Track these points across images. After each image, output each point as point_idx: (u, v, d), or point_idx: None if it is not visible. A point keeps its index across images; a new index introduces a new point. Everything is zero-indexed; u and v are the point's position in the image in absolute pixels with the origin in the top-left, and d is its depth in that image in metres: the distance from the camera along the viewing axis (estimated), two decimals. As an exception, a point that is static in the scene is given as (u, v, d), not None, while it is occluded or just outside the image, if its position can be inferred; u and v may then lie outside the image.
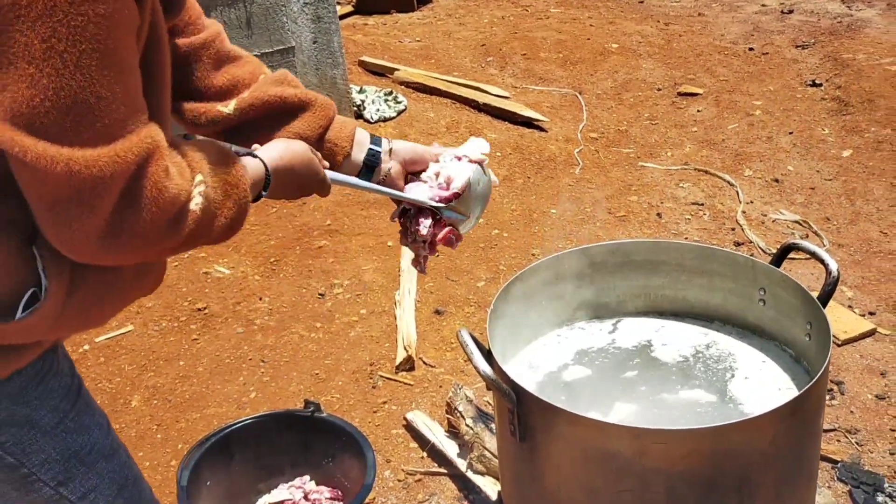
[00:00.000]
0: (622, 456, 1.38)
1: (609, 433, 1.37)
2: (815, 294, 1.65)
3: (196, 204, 1.00)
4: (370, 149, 1.41)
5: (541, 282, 1.85)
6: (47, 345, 1.09)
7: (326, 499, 2.06)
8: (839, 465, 2.29)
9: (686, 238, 3.47)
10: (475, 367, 1.47)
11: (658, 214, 3.68)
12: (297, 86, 1.38)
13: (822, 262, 1.66)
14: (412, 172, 1.46)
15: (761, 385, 1.68)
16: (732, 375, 1.72)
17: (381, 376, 2.74)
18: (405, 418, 2.53)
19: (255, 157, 1.17)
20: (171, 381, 2.78)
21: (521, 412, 1.48)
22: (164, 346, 2.94)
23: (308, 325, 3.01)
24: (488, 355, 1.59)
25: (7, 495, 1.11)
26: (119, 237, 0.92)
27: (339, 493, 2.07)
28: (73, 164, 0.85)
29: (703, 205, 3.75)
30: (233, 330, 3.01)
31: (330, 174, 1.33)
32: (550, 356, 1.83)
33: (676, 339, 1.84)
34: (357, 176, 1.41)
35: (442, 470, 2.35)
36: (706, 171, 4.04)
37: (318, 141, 1.37)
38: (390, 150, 1.43)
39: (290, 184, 1.24)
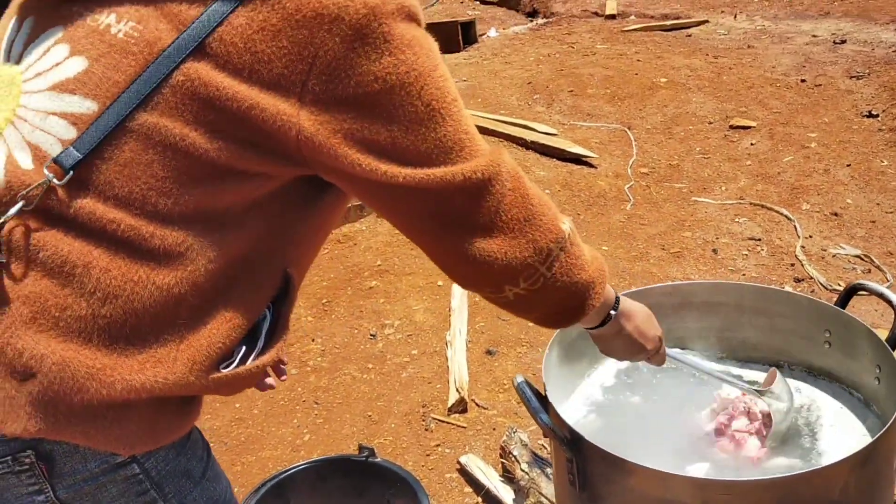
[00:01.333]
0: (685, 507, 1.34)
1: (671, 484, 1.33)
2: (882, 334, 1.59)
3: (567, 225, 1.08)
4: None
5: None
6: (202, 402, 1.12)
7: None
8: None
9: (744, 275, 3.40)
10: (534, 418, 1.45)
11: (714, 250, 3.61)
12: None
13: (889, 303, 1.60)
14: None
15: (839, 431, 1.62)
16: (811, 421, 1.67)
17: (434, 418, 2.73)
18: (459, 462, 2.50)
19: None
20: (227, 423, 2.80)
21: (579, 460, 1.45)
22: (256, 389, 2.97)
23: (360, 366, 3.02)
24: (544, 400, 1.56)
25: None
26: (493, 237, 1.01)
27: None
28: (466, 173, 0.98)
29: (760, 240, 3.68)
30: (287, 371, 3.03)
31: (671, 351, 1.47)
32: (611, 396, 1.80)
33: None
34: None
35: (497, 515, 2.31)
36: (762, 206, 3.97)
37: None
38: None
39: (630, 326, 1.33)
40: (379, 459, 2.06)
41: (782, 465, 1.57)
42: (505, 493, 2.31)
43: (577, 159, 4.47)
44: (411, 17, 0.96)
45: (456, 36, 7.13)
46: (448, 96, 0.98)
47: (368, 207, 1.08)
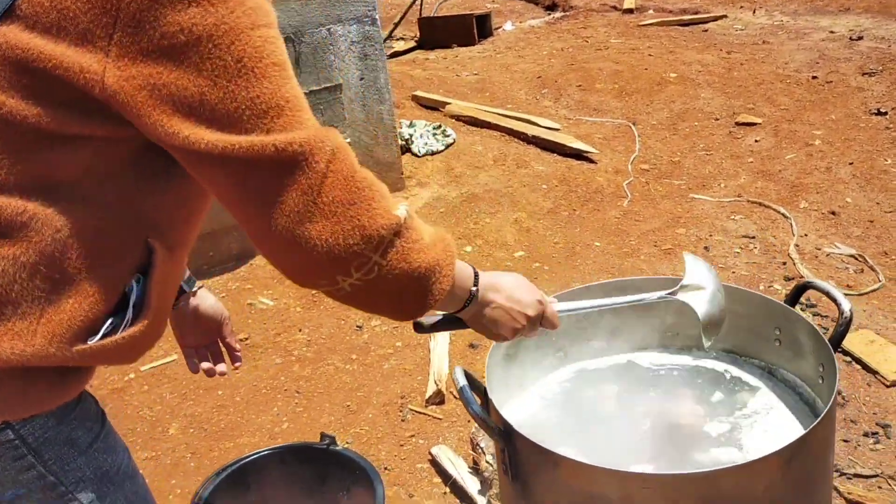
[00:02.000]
0: (608, 499, 1.35)
1: (594, 476, 1.34)
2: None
3: (402, 210, 1.03)
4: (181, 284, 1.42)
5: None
6: (91, 374, 1.12)
7: None
8: (879, 514, 2.17)
9: (734, 272, 3.38)
10: (466, 408, 1.47)
11: (706, 248, 3.59)
12: None
13: (835, 301, 1.60)
14: (202, 329, 1.48)
15: (782, 429, 1.62)
16: (746, 417, 1.67)
17: (411, 409, 2.75)
18: (430, 453, 2.52)
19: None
20: (209, 409, 2.85)
21: (510, 451, 1.47)
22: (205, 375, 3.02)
23: (344, 356, 3.05)
24: (486, 394, 1.58)
25: None
26: (314, 220, 0.96)
27: None
28: (278, 144, 0.93)
29: (754, 237, 3.65)
30: (272, 360, 3.07)
31: (561, 305, 1.40)
32: (562, 392, 1.81)
33: (695, 374, 1.80)
34: None
35: (463, 506, 2.33)
36: (760, 203, 3.93)
37: None
38: (196, 292, 1.45)
39: (500, 298, 1.26)
40: (340, 447, 2.09)
41: (718, 460, 1.57)
42: (471, 483, 2.33)
43: (578, 154, 4.46)
44: None
45: (471, 29, 7.14)
46: (267, 58, 0.94)
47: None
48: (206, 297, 1.47)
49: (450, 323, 1.31)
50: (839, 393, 2.64)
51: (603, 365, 1.88)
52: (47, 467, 1.07)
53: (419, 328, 1.33)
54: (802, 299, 3.12)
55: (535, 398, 1.82)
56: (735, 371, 1.80)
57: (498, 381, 1.68)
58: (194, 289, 1.45)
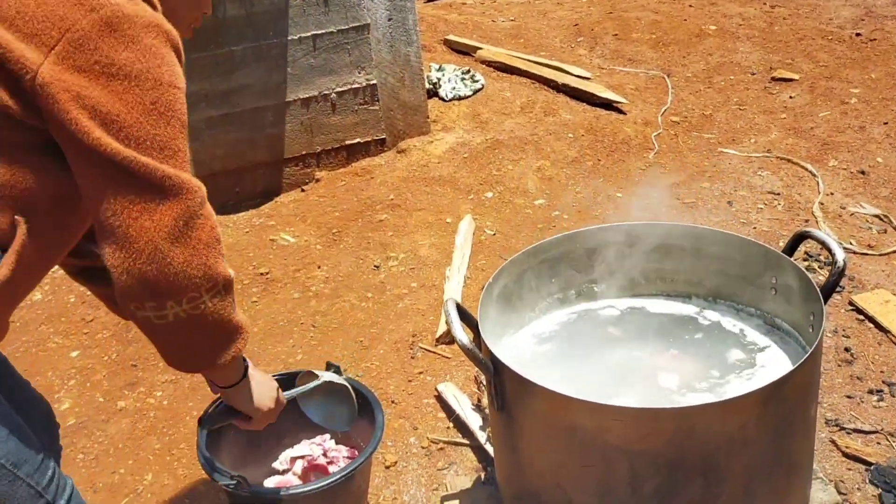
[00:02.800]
0: (585, 431, 1.39)
1: (571, 407, 1.38)
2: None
3: (231, 274, 1.25)
4: None
5: (550, 259, 1.87)
6: None
7: (344, 457, 2.15)
8: (873, 467, 2.19)
9: (755, 228, 3.36)
10: (454, 337, 1.51)
11: (729, 202, 3.57)
12: None
13: (829, 250, 1.60)
14: None
15: (760, 372, 1.65)
16: (734, 357, 1.70)
17: (421, 347, 2.81)
18: (437, 389, 2.59)
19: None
20: (228, 339, 2.94)
21: (497, 382, 1.52)
22: (226, 306, 3.11)
23: (360, 294, 3.11)
24: (478, 327, 1.63)
25: None
26: (177, 243, 1.15)
27: (356, 452, 2.15)
28: (167, 173, 1.16)
29: (779, 194, 3.61)
30: (290, 295, 3.15)
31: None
32: (559, 329, 1.85)
33: (693, 322, 1.83)
34: None
35: (464, 441, 2.40)
36: (788, 160, 3.88)
37: None
38: None
39: (255, 388, 1.57)
40: (343, 377, 2.15)
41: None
42: (473, 419, 2.40)
43: (608, 104, 4.42)
44: (167, 37, 1.16)
45: (511, -26, 7.01)
46: (174, 112, 1.15)
47: (77, 180, 1.21)
48: None
49: (228, 414, 1.65)
50: (847, 350, 2.64)
51: (603, 308, 1.92)
52: None
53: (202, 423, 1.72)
54: (822, 257, 3.11)
55: (530, 336, 1.87)
56: (737, 323, 1.82)
57: (492, 317, 1.72)
58: None
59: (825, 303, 1.54)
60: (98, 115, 1.11)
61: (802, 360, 1.38)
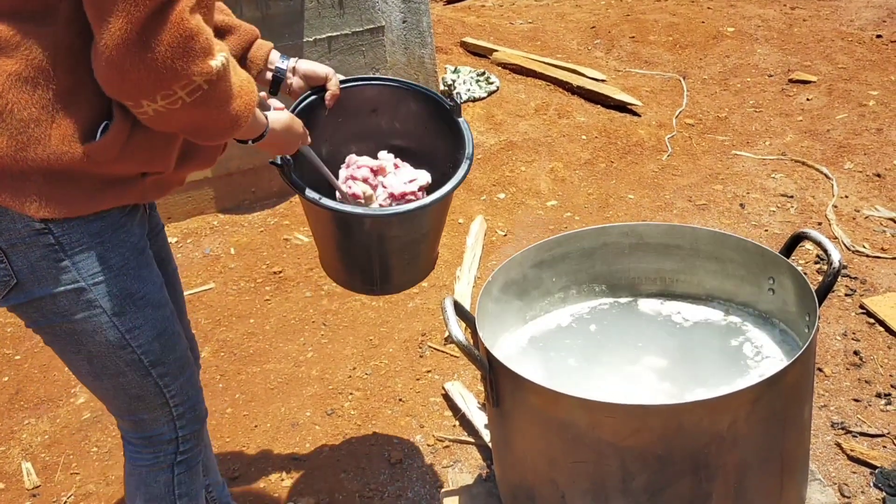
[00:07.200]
0: (577, 427, 1.41)
1: (562, 403, 1.40)
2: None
3: (218, 62, 1.20)
4: (277, 66, 1.69)
5: (551, 258, 1.88)
6: (128, 200, 1.36)
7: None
8: (877, 471, 2.19)
9: (766, 230, 3.35)
10: (451, 335, 1.54)
11: (741, 205, 3.56)
12: (229, 14, 1.65)
13: (825, 251, 1.61)
14: (311, 87, 1.74)
15: (755, 371, 1.65)
16: (731, 356, 1.70)
17: (430, 346, 2.84)
18: (444, 388, 2.62)
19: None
20: (240, 336, 2.99)
21: (493, 378, 1.54)
22: (239, 304, 3.16)
23: (371, 293, 3.15)
24: (474, 324, 1.65)
25: (73, 316, 1.38)
26: (144, 52, 1.12)
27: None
28: None
29: (792, 197, 3.60)
30: (302, 293, 3.19)
31: (305, 150, 1.68)
32: (559, 328, 1.87)
33: (693, 321, 1.84)
34: (268, 89, 1.71)
35: (470, 439, 2.42)
36: (803, 163, 3.86)
37: (241, 59, 1.65)
38: (294, 67, 1.71)
39: (278, 141, 1.56)
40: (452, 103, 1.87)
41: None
42: (479, 418, 2.42)
43: (622, 107, 4.42)
44: None
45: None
46: None
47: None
48: (302, 63, 1.73)
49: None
50: (857, 353, 2.63)
51: (604, 307, 1.93)
52: (80, 274, 1.33)
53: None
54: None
55: (530, 334, 1.88)
56: (735, 322, 1.83)
57: (491, 315, 1.74)
58: (291, 64, 1.71)
59: (820, 304, 1.55)
60: None
61: (793, 359, 1.39)
